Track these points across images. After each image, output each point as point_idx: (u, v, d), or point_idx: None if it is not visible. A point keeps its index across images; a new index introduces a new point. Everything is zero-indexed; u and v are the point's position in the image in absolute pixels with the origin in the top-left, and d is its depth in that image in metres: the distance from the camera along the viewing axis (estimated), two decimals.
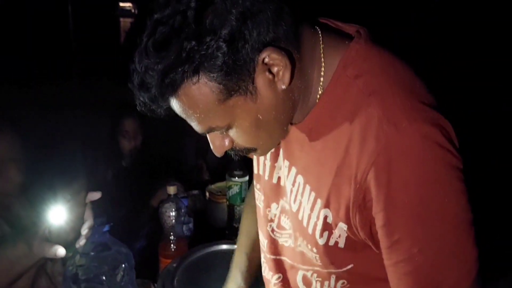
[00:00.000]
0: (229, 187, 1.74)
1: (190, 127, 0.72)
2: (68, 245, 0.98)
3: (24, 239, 1.02)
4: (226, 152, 0.76)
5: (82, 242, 1.00)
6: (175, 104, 0.67)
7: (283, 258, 0.88)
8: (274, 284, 0.90)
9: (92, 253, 1.14)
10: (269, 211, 0.89)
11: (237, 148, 0.74)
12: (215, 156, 0.76)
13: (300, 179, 0.78)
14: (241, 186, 1.72)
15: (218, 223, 1.80)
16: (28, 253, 1.01)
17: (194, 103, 0.65)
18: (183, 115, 0.69)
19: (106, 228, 1.13)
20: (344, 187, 0.70)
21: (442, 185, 0.65)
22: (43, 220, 0.95)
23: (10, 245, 1.06)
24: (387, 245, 0.68)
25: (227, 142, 0.73)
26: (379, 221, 0.67)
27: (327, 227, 0.74)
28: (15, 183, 1.27)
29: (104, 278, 1.11)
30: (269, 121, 0.70)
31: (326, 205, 0.73)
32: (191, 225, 1.59)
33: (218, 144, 0.74)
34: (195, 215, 1.70)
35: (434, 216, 0.65)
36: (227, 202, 1.76)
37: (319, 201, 0.74)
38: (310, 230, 0.77)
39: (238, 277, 1.02)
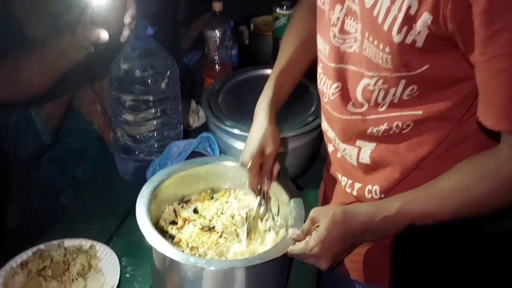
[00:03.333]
0: (276, 18, 1.63)
1: None
2: (113, 34, 0.94)
3: (70, 31, 1.00)
4: None
5: (126, 33, 0.97)
6: None
7: (344, 66, 0.83)
8: (332, 94, 0.87)
9: (137, 59, 1.11)
10: (333, 14, 0.82)
11: None
12: None
13: None
14: (288, 18, 1.61)
15: (263, 57, 1.74)
16: (74, 43, 0.99)
17: None
18: None
19: (150, 31, 1.08)
20: None
21: None
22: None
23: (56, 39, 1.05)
24: (483, 37, 0.60)
25: None
26: (478, 6, 0.59)
27: (408, 21, 0.67)
28: None
29: (149, 82, 1.10)
30: None
31: None
32: (235, 51, 1.54)
33: None
34: (238, 49, 1.64)
35: None
36: (273, 35, 1.67)
37: None
38: (386, 26, 0.70)
39: (263, 118, 0.95)
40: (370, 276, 0.91)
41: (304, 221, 0.83)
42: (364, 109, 0.81)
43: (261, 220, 0.95)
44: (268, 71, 1.35)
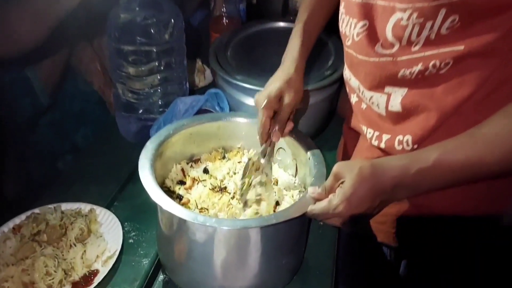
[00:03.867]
0: None
1: None
2: None
3: None
4: None
5: None
6: None
7: (372, 0, 0.73)
8: (357, 34, 0.77)
9: (138, 7, 1.01)
10: None
11: None
12: None
13: None
14: None
15: (272, 16, 1.63)
16: None
17: None
18: None
19: None
20: None
21: None
22: None
23: None
24: None
25: None
26: None
27: None
28: None
29: (152, 31, 1.00)
30: None
31: None
32: (243, 6, 1.42)
33: None
34: (246, 8, 1.52)
35: None
36: None
37: None
38: None
39: (289, 65, 0.87)
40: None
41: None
42: (394, 49, 0.71)
43: (258, 170, 0.85)
44: (280, 24, 1.26)
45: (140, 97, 1.05)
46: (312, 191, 0.72)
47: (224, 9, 1.29)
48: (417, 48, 0.69)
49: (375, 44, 0.74)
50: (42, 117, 1.26)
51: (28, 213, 0.88)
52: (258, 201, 0.83)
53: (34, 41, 1.03)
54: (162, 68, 1.04)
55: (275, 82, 0.83)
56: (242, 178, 0.83)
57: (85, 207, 0.91)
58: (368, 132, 0.82)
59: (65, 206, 0.90)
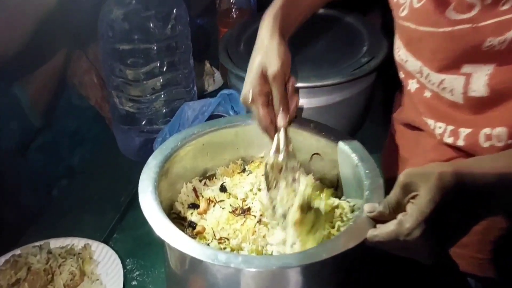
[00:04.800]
0: None
1: None
2: None
3: None
4: None
5: None
6: None
7: None
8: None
9: (133, 1, 0.86)
10: None
11: None
12: None
13: None
14: None
15: None
16: None
17: None
18: None
19: None
20: None
21: None
22: None
23: None
24: None
25: None
26: None
27: None
28: None
29: (151, 25, 0.84)
30: None
31: None
32: None
33: None
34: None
35: None
36: None
37: None
38: None
39: (263, 35, 0.71)
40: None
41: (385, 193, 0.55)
42: (474, 12, 0.54)
43: (281, 170, 0.66)
44: None
45: (141, 106, 0.90)
46: (370, 209, 0.53)
47: (232, 0, 1.13)
48: (507, 6, 0.52)
49: (446, 8, 0.57)
50: (33, 140, 1.10)
51: (8, 255, 0.71)
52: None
53: (12, 47, 0.88)
54: (164, 69, 0.88)
55: (252, 62, 0.67)
56: (268, 192, 0.65)
57: (78, 242, 0.74)
58: (437, 127, 0.63)
59: (54, 243, 0.74)
